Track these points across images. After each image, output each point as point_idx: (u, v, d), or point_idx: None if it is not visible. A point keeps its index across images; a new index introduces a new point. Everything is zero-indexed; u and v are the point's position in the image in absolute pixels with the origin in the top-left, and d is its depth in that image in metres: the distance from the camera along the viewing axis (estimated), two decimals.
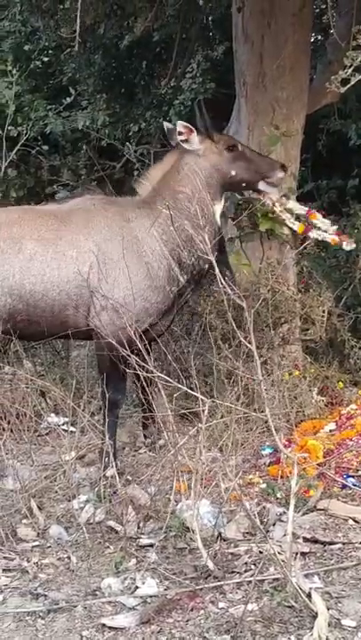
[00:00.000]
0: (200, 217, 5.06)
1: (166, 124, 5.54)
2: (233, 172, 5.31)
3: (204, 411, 3.94)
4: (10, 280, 4.92)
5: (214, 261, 4.16)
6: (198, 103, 5.48)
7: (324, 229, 5.91)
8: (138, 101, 9.50)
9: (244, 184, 5.46)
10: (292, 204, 5.95)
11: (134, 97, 9.62)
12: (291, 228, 5.94)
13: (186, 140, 5.21)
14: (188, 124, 5.20)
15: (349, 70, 4.51)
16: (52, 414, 5.74)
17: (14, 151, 9.12)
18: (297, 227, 5.90)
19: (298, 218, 5.98)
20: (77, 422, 4.94)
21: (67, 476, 4.68)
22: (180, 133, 5.19)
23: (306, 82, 6.47)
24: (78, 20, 5.24)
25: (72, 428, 5.14)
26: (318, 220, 5.94)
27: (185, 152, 5.26)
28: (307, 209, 5.98)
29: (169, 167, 5.31)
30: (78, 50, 8.12)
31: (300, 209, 5.95)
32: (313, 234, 5.89)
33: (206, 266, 5.19)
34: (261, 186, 5.45)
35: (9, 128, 9.09)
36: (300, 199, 6.82)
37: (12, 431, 4.90)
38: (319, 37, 9.07)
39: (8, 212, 5.35)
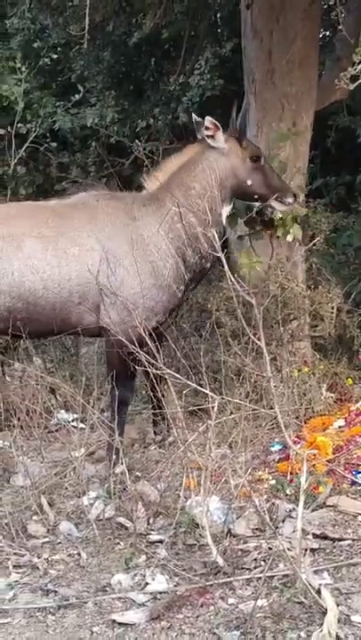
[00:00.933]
0: (209, 215, 5.06)
1: (195, 117, 5.43)
2: (249, 182, 5.30)
3: (213, 407, 3.94)
4: (9, 278, 4.86)
5: (223, 258, 4.15)
6: (237, 107, 5.43)
7: None
8: (146, 98, 9.50)
9: (255, 196, 5.42)
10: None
11: (143, 94, 9.63)
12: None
13: (212, 137, 5.20)
14: (216, 121, 5.18)
15: (359, 67, 4.50)
16: (62, 411, 5.75)
17: (23, 148, 9.12)
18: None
19: None
20: (87, 419, 4.94)
21: (76, 472, 4.69)
22: (208, 128, 5.18)
23: (315, 78, 6.46)
24: (87, 18, 5.24)
25: (82, 425, 5.15)
26: None
27: (208, 148, 5.23)
28: None
29: (187, 160, 5.27)
30: (87, 47, 8.13)
31: None
32: None
33: (208, 264, 5.20)
34: (273, 202, 5.44)
35: (18, 125, 9.07)
36: (309, 195, 6.83)
37: (22, 428, 4.91)
38: (328, 33, 9.04)
39: (7, 207, 5.35)
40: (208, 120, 5.17)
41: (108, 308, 4.97)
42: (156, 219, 5.13)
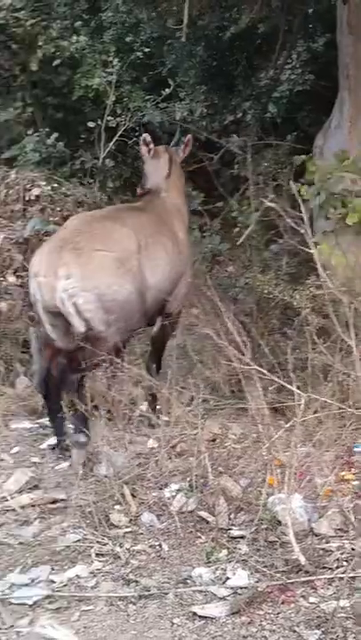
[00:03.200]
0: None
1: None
2: None
3: (300, 405, 3.92)
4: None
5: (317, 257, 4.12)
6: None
7: None
8: (237, 93, 9.46)
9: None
10: None
11: (233, 88, 9.59)
12: None
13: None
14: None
15: None
16: (146, 403, 5.78)
17: (112, 141, 9.23)
18: None
19: None
20: (170, 412, 4.96)
21: (159, 464, 4.72)
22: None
23: None
24: (186, 11, 5.26)
25: (165, 418, 5.17)
26: None
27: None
28: None
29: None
30: (180, 41, 8.13)
31: None
32: None
33: None
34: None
35: (108, 118, 9.19)
36: None
37: (109, 419, 4.95)
38: None
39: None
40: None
41: (177, 295, 5.72)
42: (179, 218, 5.91)
